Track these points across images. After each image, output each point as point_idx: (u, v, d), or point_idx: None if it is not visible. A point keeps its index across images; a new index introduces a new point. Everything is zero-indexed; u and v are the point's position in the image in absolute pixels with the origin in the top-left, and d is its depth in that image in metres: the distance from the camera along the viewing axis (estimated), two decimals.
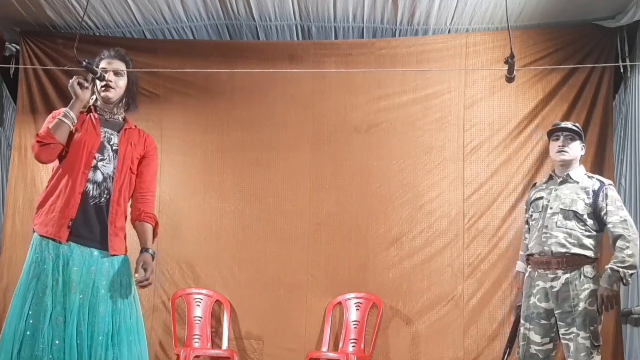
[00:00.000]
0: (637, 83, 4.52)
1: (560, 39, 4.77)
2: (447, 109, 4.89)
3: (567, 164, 3.53)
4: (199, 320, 4.78)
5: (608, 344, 4.37)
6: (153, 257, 2.84)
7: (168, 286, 4.91)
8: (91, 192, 2.73)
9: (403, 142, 4.92)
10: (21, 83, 5.22)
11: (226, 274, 4.93)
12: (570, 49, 4.75)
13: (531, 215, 3.60)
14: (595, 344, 3.24)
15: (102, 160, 2.78)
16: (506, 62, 3.07)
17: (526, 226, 3.72)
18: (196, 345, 4.68)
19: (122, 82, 2.87)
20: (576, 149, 3.53)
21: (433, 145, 4.87)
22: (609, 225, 3.34)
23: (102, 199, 2.76)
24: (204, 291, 4.88)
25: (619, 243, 3.28)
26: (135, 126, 2.98)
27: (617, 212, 3.36)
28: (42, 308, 2.55)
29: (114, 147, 2.83)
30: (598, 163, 4.61)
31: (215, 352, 4.69)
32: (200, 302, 4.84)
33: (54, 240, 2.64)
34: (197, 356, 4.54)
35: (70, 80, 2.76)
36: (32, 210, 5.00)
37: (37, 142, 2.69)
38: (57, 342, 2.51)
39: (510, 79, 3.14)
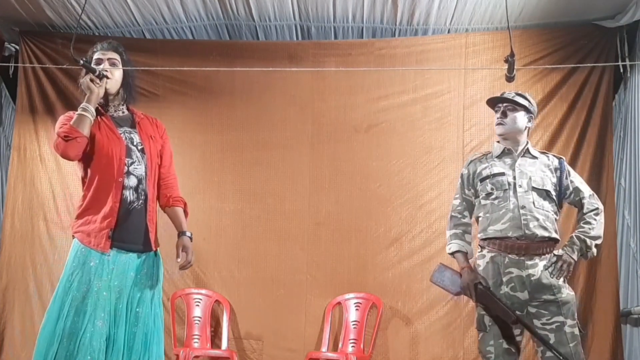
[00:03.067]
0: (637, 83, 4.52)
1: (560, 39, 4.76)
2: (446, 109, 4.89)
3: (509, 138, 3.25)
4: (199, 321, 4.77)
5: (608, 344, 4.38)
6: (191, 239, 2.92)
7: (167, 286, 4.88)
8: (128, 198, 2.75)
9: (403, 142, 4.92)
10: (20, 83, 5.21)
11: (225, 274, 4.93)
12: (570, 49, 4.74)
13: (490, 193, 3.17)
14: (582, 332, 3.06)
15: (132, 163, 2.79)
16: (506, 60, 3.04)
17: (463, 203, 3.29)
18: (195, 345, 4.68)
19: (118, 73, 2.88)
20: (518, 120, 3.23)
21: (433, 145, 4.87)
22: (584, 201, 3.18)
23: (140, 202, 2.79)
24: (203, 291, 4.87)
25: (590, 215, 3.14)
26: (142, 114, 3.00)
27: (584, 187, 3.23)
28: (81, 310, 2.58)
29: (139, 147, 2.84)
30: (598, 163, 4.61)
31: (215, 352, 4.68)
32: (199, 302, 4.83)
33: (96, 250, 2.67)
34: (196, 356, 4.54)
35: (82, 79, 2.78)
36: (32, 210, 5.10)
37: (63, 137, 2.64)
38: (94, 343, 2.54)
39: (510, 78, 3.10)
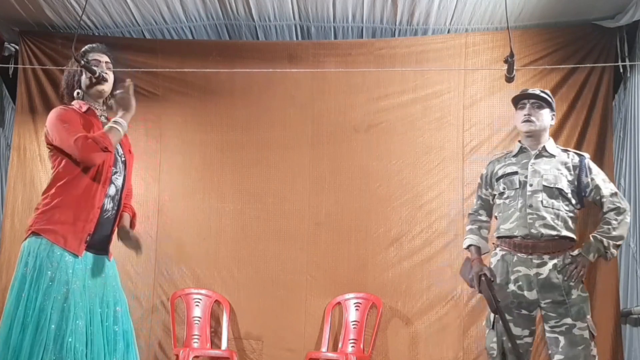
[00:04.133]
0: (637, 83, 4.52)
1: (560, 39, 4.76)
2: (446, 109, 4.89)
3: (535, 135, 3.22)
4: (198, 321, 4.77)
5: (608, 344, 4.38)
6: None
7: (167, 286, 4.90)
8: (105, 206, 2.73)
9: (402, 142, 4.92)
10: (20, 83, 5.21)
11: (225, 274, 4.93)
12: (570, 49, 4.74)
13: (502, 193, 3.21)
14: (594, 334, 3.00)
15: (115, 173, 2.78)
16: (506, 61, 3.05)
17: (479, 202, 3.37)
18: (195, 345, 4.68)
19: (112, 76, 2.87)
20: (545, 118, 3.22)
21: (432, 145, 4.87)
22: (603, 200, 3.10)
23: (113, 211, 2.78)
24: (203, 291, 4.87)
25: (611, 215, 3.07)
26: None
27: (606, 185, 3.14)
28: (64, 312, 2.52)
29: (122, 159, 2.83)
30: (598, 163, 4.55)
31: (215, 352, 4.68)
32: (199, 302, 4.83)
33: (70, 252, 2.62)
34: (196, 356, 4.54)
35: (125, 85, 2.73)
36: (32, 211, 5.04)
37: (104, 149, 2.61)
38: (77, 344, 2.50)
39: (509, 78, 3.10)
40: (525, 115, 3.21)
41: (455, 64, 4.89)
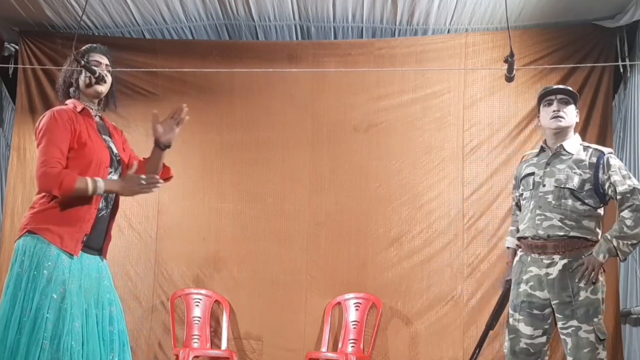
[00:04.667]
0: (637, 83, 4.52)
1: (560, 39, 4.76)
2: (446, 108, 4.89)
3: (563, 132, 3.10)
4: (198, 321, 4.77)
5: (608, 344, 4.35)
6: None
7: (167, 286, 4.90)
8: (100, 205, 2.72)
9: (402, 142, 4.92)
10: (20, 83, 5.21)
11: (225, 274, 4.93)
12: (570, 48, 4.74)
13: (522, 194, 3.20)
14: (601, 338, 2.88)
15: (110, 172, 2.77)
16: (506, 61, 3.03)
17: (514, 203, 3.38)
18: (195, 345, 4.68)
19: (110, 78, 2.86)
20: (572, 114, 3.10)
21: (432, 145, 4.87)
22: (619, 197, 2.94)
23: (108, 210, 2.77)
24: (203, 291, 4.87)
25: (626, 213, 2.91)
26: (111, 123, 2.96)
27: (624, 182, 2.96)
28: (61, 312, 2.50)
29: (117, 158, 2.82)
30: None
31: (215, 352, 4.68)
32: (199, 302, 4.83)
33: (66, 252, 2.60)
34: (196, 356, 4.54)
35: (153, 182, 2.76)
36: None
37: (63, 193, 2.55)
38: (73, 344, 2.49)
39: (509, 78, 3.09)
40: (554, 111, 3.09)
41: (455, 64, 4.89)
